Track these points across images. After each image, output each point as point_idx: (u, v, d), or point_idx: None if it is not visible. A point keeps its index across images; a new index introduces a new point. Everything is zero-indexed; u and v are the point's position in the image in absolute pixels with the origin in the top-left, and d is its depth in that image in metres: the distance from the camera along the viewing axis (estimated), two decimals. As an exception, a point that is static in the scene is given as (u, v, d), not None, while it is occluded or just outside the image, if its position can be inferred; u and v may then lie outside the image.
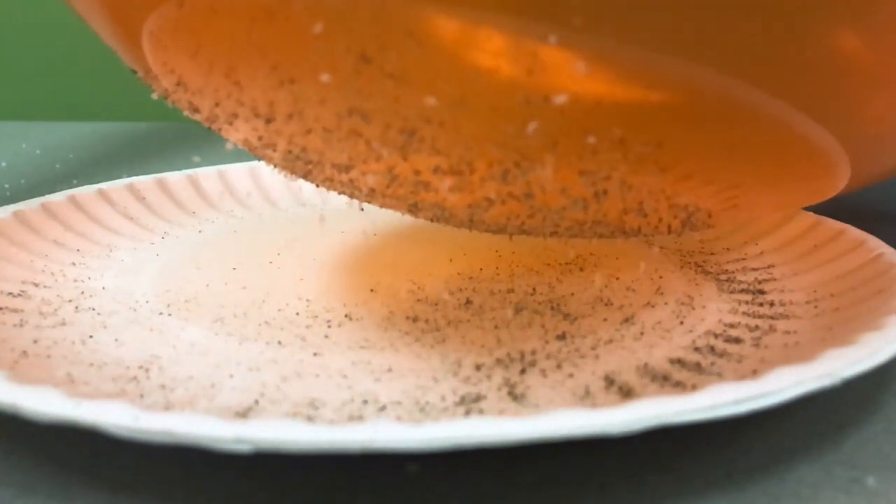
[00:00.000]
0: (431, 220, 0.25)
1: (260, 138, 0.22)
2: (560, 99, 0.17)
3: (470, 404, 0.18)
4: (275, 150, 0.22)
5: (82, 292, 0.24)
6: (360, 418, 0.17)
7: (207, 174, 0.33)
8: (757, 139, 0.19)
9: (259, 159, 0.25)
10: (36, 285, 0.24)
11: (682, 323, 0.22)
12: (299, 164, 0.22)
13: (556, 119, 0.17)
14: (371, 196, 0.23)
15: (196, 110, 0.22)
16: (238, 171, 0.34)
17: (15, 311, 0.22)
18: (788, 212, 0.27)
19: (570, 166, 0.19)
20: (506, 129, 0.18)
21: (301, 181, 0.35)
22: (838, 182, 0.22)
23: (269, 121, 0.20)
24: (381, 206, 0.25)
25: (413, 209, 0.24)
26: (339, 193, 0.25)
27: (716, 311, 0.23)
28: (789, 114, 0.18)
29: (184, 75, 0.21)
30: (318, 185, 0.25)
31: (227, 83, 0.20)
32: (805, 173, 0.21)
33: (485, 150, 0.19)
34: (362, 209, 0.26)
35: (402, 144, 0.19)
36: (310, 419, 0.17)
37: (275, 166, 0.24)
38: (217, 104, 0.21)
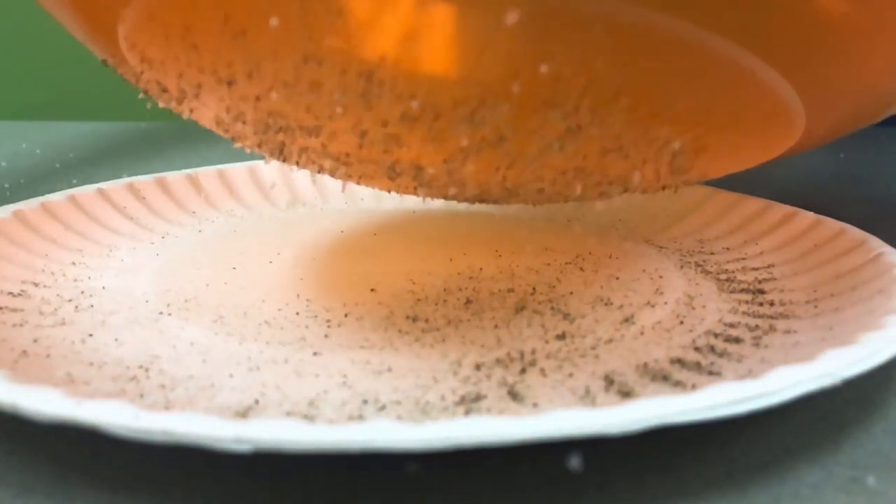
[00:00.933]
0: (415, 192, 0.25)
1: (228, 110, 0.22)
2: (512, 17, 0.17)
3: (470, 404, 0.18)
4: (245, 123, 0.22)
5: (82, 292, 0.24)
6: (360, 418, 0.17)
7: (207, 174, 0.33)
8: (715, 79, 0.19)
9: (235, 142, 0.25)
10: (36, 285, 0.24)
11: (682, 323, 0.22)
12: (272, 136, 0.22)
13: (512, 45, 0.17)
14: (348, 165, 0.23)
15: (165, 89, 0.22)
16: (238, 171, 0.34)
17: (15, 310, 0.22)
18: (752, 163, 0.27)
19: (535, 97, 0.18)
20: (463, 63, 0.18)
21: (299, 180, 0.35)
22: (794, 130, 0.22)
23: (230, 83, 0.20)
24: (361, 177, 0.25)
25: (392, 174, 0.23)
26: (319, 171, 0.25)
27: (716, 310, 0.23)
28: (744, 56, 0.18)
29: (145, 49, 0.21)
30: (297, 166, 0.25)
31: (186, 47, 0.20)
32: (762, 117, 0.22)
33: (446, 90, 0.18)
34: (344, 190, 0.25)
35: (363, 91, 0.19)
36: (310, 419, 0.17)
37: (250, 146, 0.24)
38: (181, 75, 0.21)
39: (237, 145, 0.25)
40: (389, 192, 0.28)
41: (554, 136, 0.20)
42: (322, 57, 0.18)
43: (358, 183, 0.27)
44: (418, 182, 0.23)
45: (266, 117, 0.21)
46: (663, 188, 0.25)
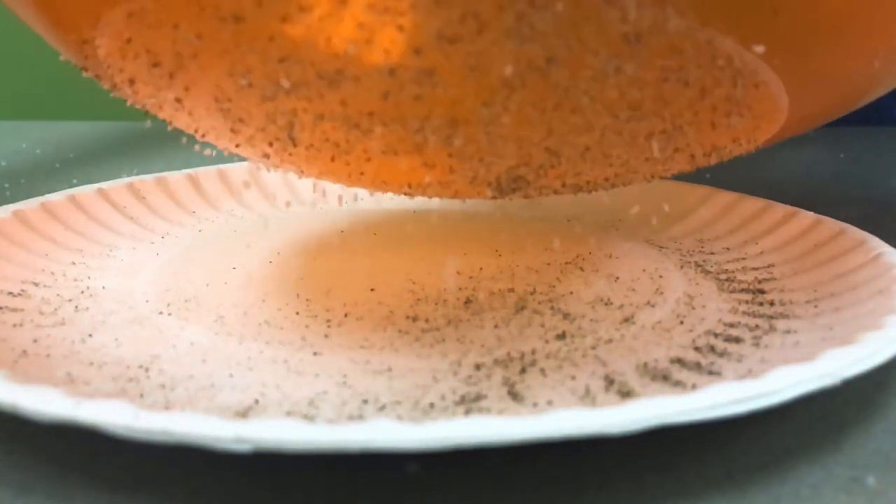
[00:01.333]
0: (444, 179, 0.24)
1: (232, 69, 0.20)
2: None
3: (470, 404, 0.18)
4: (252, 85, 0.20)
5: (82, 292, 0.24)
6: (360, 418, 0.17)
7: (207, 173, 0.33)
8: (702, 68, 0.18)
9: (236, 134, 0.23)
10: (36, 285, 0.24)
11: (682, 322, 0.22)
12: (282, 103, 0.20)
13: None
14: (370, 133, 0.21)
15: (157, 63, 0.21)
16: (238, 171, 0.34)
17: (15, 310, 0.22)
18: (741, 148, 0.26)
19: None
20: None
21: (299, 180, 0.35)
22: (779, 114, 0.22)
23: (238, 19, 0.18)
24: (383, 159, 0.23)
25: (420, 139, 0.20)
26: (333, 158, 0.23)
27: (716, 310, 0.23)
28: (723, 41, 0.18)
29: (98, 41, 0.20)
30: (310, 149, 0.23)
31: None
32: (749, 104, 0.21)
33: None
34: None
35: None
36: (310, 419, 0.17)
37: (253, 135, 0.23)
38: (176, 27, 0.19)
39: (234, 147, 0.24)
40: (411, 189, 0.25)
41: (610, 52, 0.17)
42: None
43: (375, 185, 0.25)
44: (450, 149, 0.21)
45: (277, 67, 0.18)
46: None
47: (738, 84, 0.20)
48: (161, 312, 0.23)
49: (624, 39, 0.17)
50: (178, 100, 0.22)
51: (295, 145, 0.22)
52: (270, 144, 0.23)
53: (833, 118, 0.25)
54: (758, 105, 0.22)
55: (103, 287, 0.24)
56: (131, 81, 0.22)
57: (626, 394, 0.18)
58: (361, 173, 0.25)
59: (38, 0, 0.21)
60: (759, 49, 0.18)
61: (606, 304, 0.23)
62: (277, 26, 0.18)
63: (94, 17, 0.19)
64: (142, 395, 0.18)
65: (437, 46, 0.17)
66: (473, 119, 0.19)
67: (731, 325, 0.22)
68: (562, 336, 0.21)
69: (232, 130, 0.23)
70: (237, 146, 0.25)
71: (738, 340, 0.21)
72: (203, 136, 0.25)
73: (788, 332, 0.21)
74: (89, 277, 0.25)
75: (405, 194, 0.27)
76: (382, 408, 0.18)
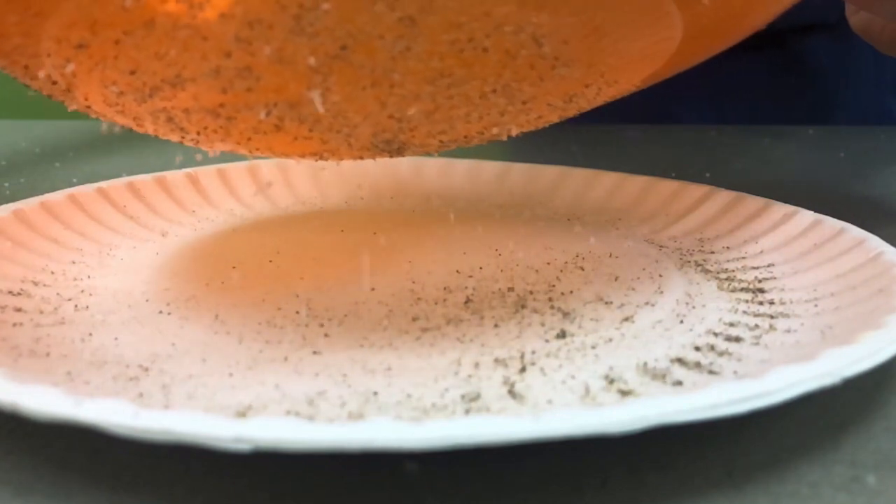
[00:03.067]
0: (321, 149, 0.25)
1: (104, 82, 0.22)
2: None
3: (470, 403, 0.18)
4: (124, 93, 0.22)
5: (82, 291, 0.24)
6: (360, 417, 0.17)
7: (207, 173, 0.33)
8: None
9: (138, 128, 0.25)
10: (36, 284, 0.24)
11: (682, 322, 0.22)
12: (156, 103, 0.22)
13: None
14: (232, 119, 0.23)
15: (34, 77, 0.22)
16: (237, 170, 0.34)
17: (15, 309, 0.22)
18: (639, 72, 0.27)
19: None
20: None
21: (299, 180, 0.35)
22: (674, 32, 0.23)
23: (81, 47, 0.20)
24: (254, 135, 0.24)
25: (277, 121, 0.23)
26: (221, 140, 0.25)
27: (716, 309, 0.23)
28: None
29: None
30: (196, 140, 0.25)
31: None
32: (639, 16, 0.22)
33: None
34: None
35: (192, 21, 0.19)
36: (309, 418, 0.17)
37: (151, 130, 0.24)
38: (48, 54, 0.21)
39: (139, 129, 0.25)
40: (313, 156, 0.28)
41: (393, 35, 0.19)
42: None
43: (277, 155, 0.27)
44: (309, 125, 0.23)
45: (130, 78, 0.21)
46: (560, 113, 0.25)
47: (545, 43, 0.21)
48: (161, 312, 0.23)
49: (401, 23, 0.19)
50: (87, 107, 0.24)
51: (185, 133, 0.24)
52: (173, 132, 0.25)
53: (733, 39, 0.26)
54: (587, 55, 0.23)
55: (103, 286, 0.24)
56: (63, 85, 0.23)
57: (626, 393, 0.18)
58: (257, 149, 0.26)
59: None
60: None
61: (606, 303, 0.23)
62: (113, 48, 0.20)
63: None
64: (141, 395, 0.18)
65: (240, 48, 0.20)
66: (306, 101, 0.21)
67: (731, 325, 0.22)
68: (562, 335, 0.21)
69: (139, 126, 0.25)
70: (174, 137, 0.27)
71: (738, 340, 0.21)
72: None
73: (788, 331, 0.21)
74: (89, 277, 0.25)
75: (316, 160, 0.28)
76: (382, 407, 0.18)
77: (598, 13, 0.21)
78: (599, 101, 0.27)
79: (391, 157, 0.27)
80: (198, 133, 0.24)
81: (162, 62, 0.20)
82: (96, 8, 0.19)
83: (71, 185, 0.30)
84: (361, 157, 0.27)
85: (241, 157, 0.35)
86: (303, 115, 0.22)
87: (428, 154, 0.28)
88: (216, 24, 0.19)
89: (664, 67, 0.26)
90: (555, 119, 0.27)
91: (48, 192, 0.29)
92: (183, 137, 0.25)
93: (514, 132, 0.27)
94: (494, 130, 0.26)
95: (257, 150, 0.26)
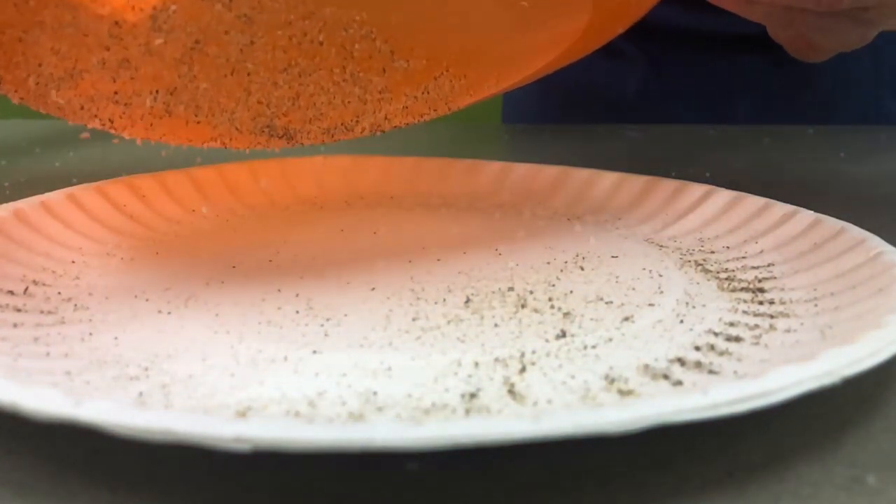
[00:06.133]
0: (224, 136, 0.29)
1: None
2: None
3: (470, 403, 0.18)
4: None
5: (82, 291, 0.24)
6: (360, 417, 0.17)
7: (207, 172, 0.33)
8: None
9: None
10: (35, 283, 0.24)
11: (682, 321, 0.22)
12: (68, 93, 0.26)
13: None
14: (129, 107, 0.26)
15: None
16: (238, 169, 0.34)
17: (15, 309, 0.22)
18: (548, 52, 0.30)
19: None
20: None
21: (299, 180, 0.35)
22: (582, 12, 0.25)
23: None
24: (156, 121, 0.28)
25: (164, 105, 0.26)
26: (133, 125, 0.28)
27: (716, 309, 0.23)
28: None
29: None
30: (111, 127, 0.28)
31: None
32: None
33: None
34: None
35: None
36: (309, 418, 0.17)
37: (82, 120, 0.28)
38: None
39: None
40: (214, 142, 0.31)
41: (236, 31, 0.23)
42: None
43: (182, 142, 0.30)
44: (193, 110, 0.26)
45: (39, 69, 0.25)
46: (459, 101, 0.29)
47: (377, 38, 0.25)
48: (161, 311, 0.23)
49: (240, 20, 0.23)
50: (21, 100, 0.28)
51: (101, 121, 0.28)
52: (91, 119, 0.28)
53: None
54: (427, 48, 0.26)
55: (103, 286, 0.24)
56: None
57: (625, 393, 0.18)
58: (163, 135, 0.30)
59: None
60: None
61: (607, 302, 0.23)
62: (20, 45, 0.24)
63: None
64: (141, 394, 0.18)
65: (114, 43, 0.24)
66: (181, 89, 0.25)
67: (732, 325, 0.22)
68: (562, 335, 0.21)
69: (63, 114, 0.28)
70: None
71: (738, 340, 0.21)
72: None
73: (788, 331, 0.21)
74: (89, 277, 0.25)
75: (219, 146, 0.31)
76: (382, 408, 0.18)
77: (436, 9, 0.25)
78: (459, 94, 0.30)
79: (288, 144, 0.30)
80: (110, 120, 0.28)
81: (58, 56, 0.24)
82: None
83: (71, 185, 0.30)
84: (259, 145, 0.30)
85: (242, 157, 0.35)
86: (185, 100, 0.25)
87: (322, 142, 0.31)
88: (92, 23, 0.23)
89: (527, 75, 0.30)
90: (430, 113, 0.30)
91: (48, 191, 0.29)
92: (103, 125, 0.28)
93: (394, 123, 0.30)
94: (369, 120, 0.29)
95: (164, 136, 0.29)
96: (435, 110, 0.30)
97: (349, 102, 0.27)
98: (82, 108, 0.26)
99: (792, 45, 0.34)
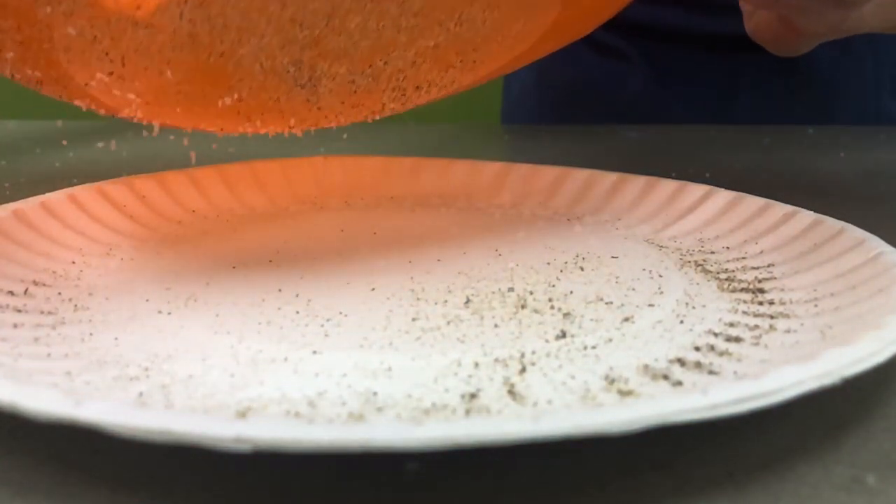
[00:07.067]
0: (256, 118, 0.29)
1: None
2: None
3: (470, 403, 0.18)
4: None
5: (82, 291, 0.24)
6: (360, 417, 0.17)
7: (207, 172, 0.33)
8: None
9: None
10: (36, 283, 0.24)
11: (682, 322, 0.22)
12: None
13: None
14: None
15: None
16: (238, 169, 0.34)
17: (15, 309, 0.22)
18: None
19: None
20: None
21: (299, 179, 0.35)
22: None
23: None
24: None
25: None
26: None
27: (716, 310, 0.23)
28: None
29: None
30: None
31: None
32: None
33: None
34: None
35: None
36: (309, 419, 0.17)
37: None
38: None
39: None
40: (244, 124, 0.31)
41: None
42: None
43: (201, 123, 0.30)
44: (219, 31, 0.26)
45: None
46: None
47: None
48: (161, 312, 0.23)
49: None
50: (39, 83, 0.29)
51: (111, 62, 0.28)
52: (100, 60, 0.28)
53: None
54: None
55: (103, 286, 0.24)
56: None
57: (625, 393, 0.18)
58: (178, 90, 0.29)
59: None
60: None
61: (607, 303, 0.23)
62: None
63: None
64: (141, 395, 0.18)
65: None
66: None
67: (731, 325, 0.22)
68: (562, 335, 0.21)
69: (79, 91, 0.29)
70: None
71: (738, 340, 0.21)
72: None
73: (788, 331, 0.21)
74: (89, 277, 0.25)
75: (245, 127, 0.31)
76: (382, 408, 0.18)
77: None
78: (489, 34, 0.29)
79: (309, 100, 0.30)
80: (122, 62, 0.27)
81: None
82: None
83: (71, 185, 0.30)
84: (277, 106, 0.29)
85: (242, 158, 0.35)
86: (212, 15, 0.25)
87: (342, 102, 0.30)
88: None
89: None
90: (457, 63, 0.30)
91: (48, 191, 0.29)
92: (110, 72, 0.27)
93: (420, 74, 0.30)
94: (397, 63, 0.29)
95: (178, 92, 0.29)
96: (461, 61, 0.30)
97: (383, 26, 0.27)
98: (95, 39, 0.26)
99: (772, 35, 0.34)
